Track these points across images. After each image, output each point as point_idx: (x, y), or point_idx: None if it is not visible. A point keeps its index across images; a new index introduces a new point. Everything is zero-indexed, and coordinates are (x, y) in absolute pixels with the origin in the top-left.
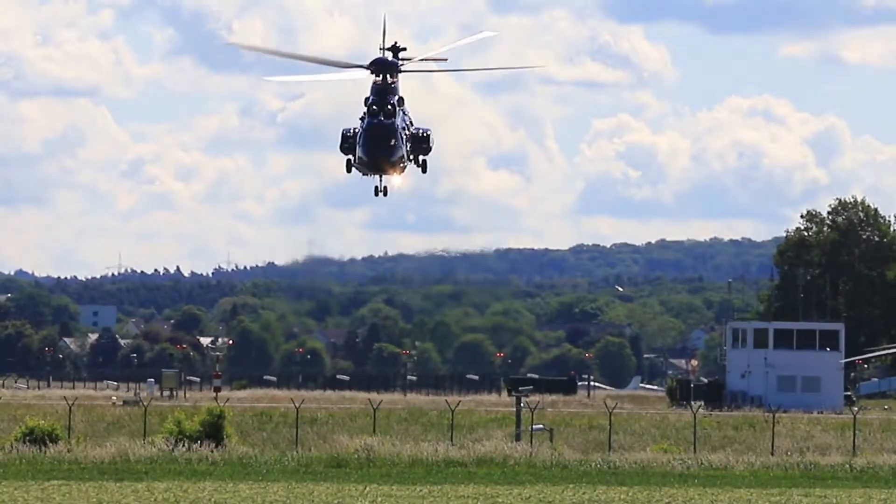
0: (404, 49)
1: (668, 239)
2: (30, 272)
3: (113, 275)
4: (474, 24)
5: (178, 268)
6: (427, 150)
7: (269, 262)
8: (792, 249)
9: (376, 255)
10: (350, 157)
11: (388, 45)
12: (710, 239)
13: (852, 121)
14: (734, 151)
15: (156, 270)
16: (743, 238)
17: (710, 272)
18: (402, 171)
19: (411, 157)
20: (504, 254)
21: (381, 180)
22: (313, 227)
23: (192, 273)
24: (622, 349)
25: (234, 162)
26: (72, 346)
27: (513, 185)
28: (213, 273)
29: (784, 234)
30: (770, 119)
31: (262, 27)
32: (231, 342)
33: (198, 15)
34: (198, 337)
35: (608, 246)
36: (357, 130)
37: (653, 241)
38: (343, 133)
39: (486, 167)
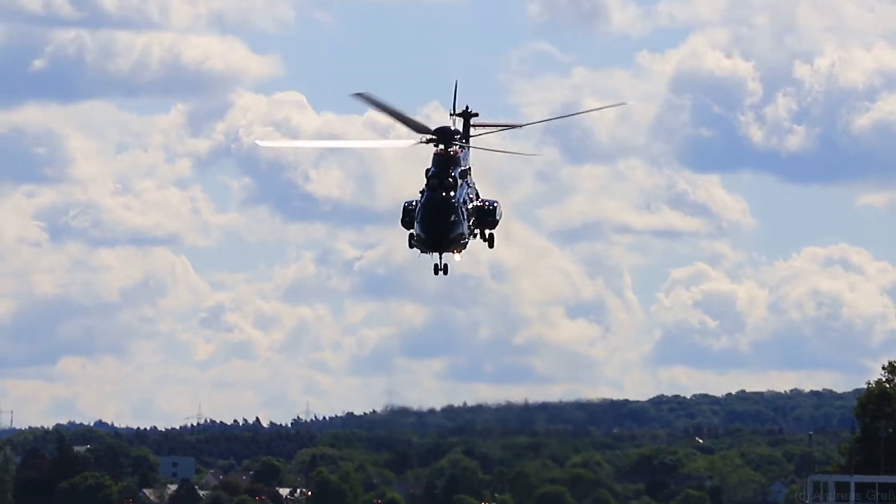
0: (476, 115)
1: (748, 390)
2: (109, 423)
3: (192, 425)
4: (549, 173)
5: (256, 418)
6: (493, 224)
7: (347, 412)
8: (873, 401)
9: (455, 405)
10: (412, 231)
11: (459, 110)
12: (790, 390)
13: None
14: (813, 301)
15: (235, 421)
16: (824, 389)
17: (790, 424)
18: (464, 248)
19: (476, 231)
20: (583, 405)
21: (440, 258)
22: (391, 377)
23: (271, 423)
24: (702, 502)
25: (312, 311)
26: (151, 498)
27: (591, 334)
28: (291, 423)
29: (865, 386)
30: (848, 268)
31: (339, 175)
32: (310, 493)
33: (274, 164)
34: (277, 488)
35: (688, 397)
36: (417, 204)
37: (732, 392)
38: (404, 206)
39: (563, 316)
